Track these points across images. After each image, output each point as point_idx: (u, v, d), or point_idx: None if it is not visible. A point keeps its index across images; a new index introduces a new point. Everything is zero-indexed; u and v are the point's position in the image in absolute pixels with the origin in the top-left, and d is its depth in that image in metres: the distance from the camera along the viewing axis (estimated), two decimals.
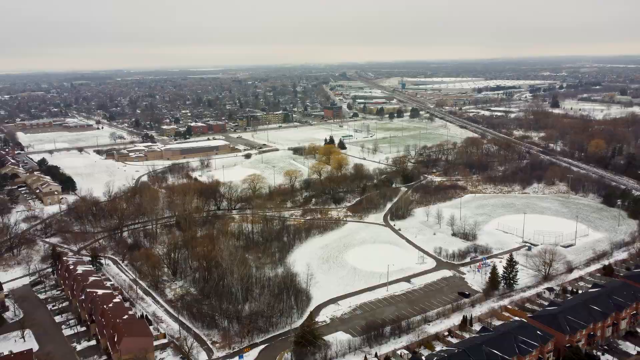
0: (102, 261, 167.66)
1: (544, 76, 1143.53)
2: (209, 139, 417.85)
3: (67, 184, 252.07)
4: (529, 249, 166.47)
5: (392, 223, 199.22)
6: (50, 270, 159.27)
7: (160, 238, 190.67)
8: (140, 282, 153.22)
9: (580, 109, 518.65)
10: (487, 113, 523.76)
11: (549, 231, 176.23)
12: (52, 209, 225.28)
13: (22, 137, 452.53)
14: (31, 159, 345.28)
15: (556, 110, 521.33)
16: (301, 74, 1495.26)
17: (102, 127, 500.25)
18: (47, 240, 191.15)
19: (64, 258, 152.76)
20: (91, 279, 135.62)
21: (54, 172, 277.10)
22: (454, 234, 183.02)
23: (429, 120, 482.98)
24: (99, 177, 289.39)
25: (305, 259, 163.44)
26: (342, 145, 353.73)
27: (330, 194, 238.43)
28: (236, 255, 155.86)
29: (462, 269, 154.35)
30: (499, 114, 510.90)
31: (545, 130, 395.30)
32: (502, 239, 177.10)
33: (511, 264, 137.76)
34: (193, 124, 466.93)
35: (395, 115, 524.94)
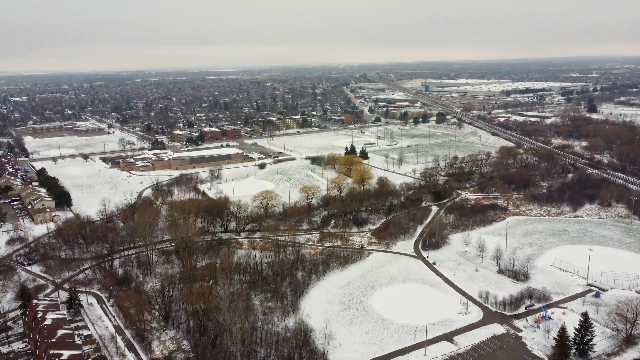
0: (85, 300, 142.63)
1: (574, 78, 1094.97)
2: (222, 146, 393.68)
3: (63, 198, 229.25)
4: (597, 295, 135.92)
5: (424, 254, 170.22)
6: (20, 313, 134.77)
7: (156, 269, 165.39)
8: (125, 330, 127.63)
9: (620, 114, 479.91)
10: (519, 118, 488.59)
11: (619, 272, 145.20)
12: (42, 229, 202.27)
13: (29, 141, 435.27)
14: (33, 167, 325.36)
15: (594, 115, 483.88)
16: (321, 75, 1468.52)
17: (113, 132, 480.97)
18: (29, 268, 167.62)
19: (34, 301, 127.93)
20: (60, 333, 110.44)
21: (52, 185, 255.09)
22: (500, 271, 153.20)
23: (457, 126, 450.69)
24: (100, 189, 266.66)
25: (322, 303, 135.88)
26: (364, 155, 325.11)
27: (352, 214, 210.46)
28: (239, 301, 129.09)
29: (517, 322, 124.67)
30: (533, 119, 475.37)
31: (587, 138, 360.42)
32: (560, 280, 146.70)
33: (586, 325, 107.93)
34: (206, 128, 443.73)
35: (420, 120, 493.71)
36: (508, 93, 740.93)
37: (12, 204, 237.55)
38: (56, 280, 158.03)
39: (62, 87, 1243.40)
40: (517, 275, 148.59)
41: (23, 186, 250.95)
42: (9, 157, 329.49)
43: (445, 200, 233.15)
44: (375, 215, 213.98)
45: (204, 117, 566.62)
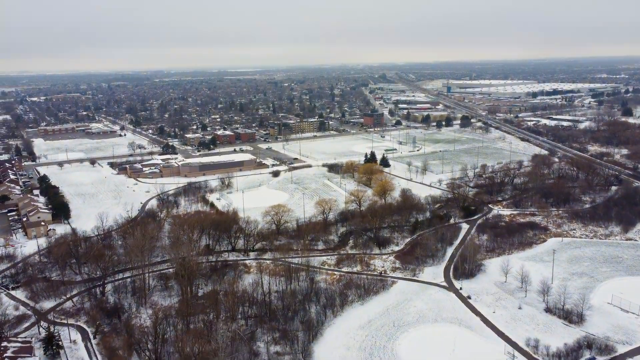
0: (68, 337, 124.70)
1: (602, 79, 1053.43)
2: (235, 150, 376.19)
3: (60, 210, 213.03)
4: None
5: (457, 284, 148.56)
6: None
7: (152, 296, 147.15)
8: None
9: None
10: (549, 122, 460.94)
11: None
12: (34, 245, 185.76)
13: (39, 144, 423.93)
14: (38, 172, 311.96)
15: (630, 119, 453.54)
16: (339, 76, 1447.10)
17: (125, 134, 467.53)
18: (13, 293, 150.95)
19: (4, 343, 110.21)
20: None
21: (51, 194, 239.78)
22: (548, 310, 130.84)
23: (483, 131, 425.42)
24: (103, 198, 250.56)
25: (339, 348, 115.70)
26: (385, 163, 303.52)
27: (373, 232, 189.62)
28: (241, 344, 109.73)
29: None
30: (565, 124, 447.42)
31: (627, 145, 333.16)
32: (622, 323, 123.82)
33: None
34: (220, 132, 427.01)
35: (444, 123, 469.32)
36: (534, 95, 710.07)
37: (8, 214, 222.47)
38: (40, 308, 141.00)
39: (81, 87, 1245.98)
40: (570, 315, 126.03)
41: (21, 195, 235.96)
42: (13, 162, 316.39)
43: (476, 217, 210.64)
44: (398, 234, 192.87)
45: (218, 119, 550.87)
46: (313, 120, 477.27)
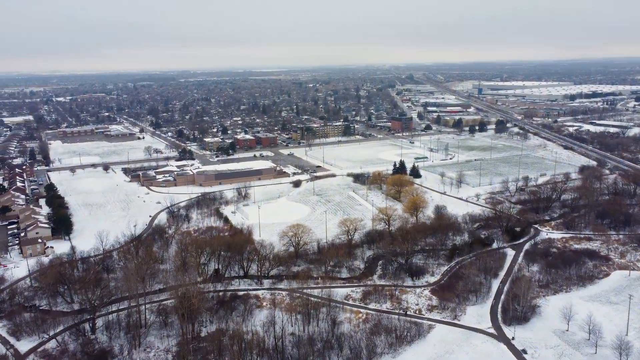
0: None
1: None
2: (254, 156, 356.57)
3: (62, 225, 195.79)
4: None
5: (508, 331, 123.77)
6: None
7: (148, 336, 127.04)
8: None
9: None
10: (593, 128, 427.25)
11: None
12: (30, 264, 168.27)
13: (56, 147, 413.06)
14: (49, 178, 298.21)
15: None
16: (365, 76, 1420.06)
17: (144, 137, 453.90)
18: None
19: None
20: None
21: (56, 205, 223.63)
22: None
23: (521, 137, 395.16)
24: (112, 210, 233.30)
25: None
26: (415, 173, 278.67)
27: (404, 258, 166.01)
28: None
29: None
30: (612, 130, 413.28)
31: None
32: None
33: None
34: (240, 135, 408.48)
35: (477, 128, 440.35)
36: (572, 97, 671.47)
37: (8, 227, 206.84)
38: (21, 349, 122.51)
39: (108, 87, 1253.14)
40: None
41: (24, 206, 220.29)
42: (24, 167, 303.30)
43: (522, 240, 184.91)
44: (433, 260, 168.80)
45: (239, 122, 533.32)
46: (338, 124, 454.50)
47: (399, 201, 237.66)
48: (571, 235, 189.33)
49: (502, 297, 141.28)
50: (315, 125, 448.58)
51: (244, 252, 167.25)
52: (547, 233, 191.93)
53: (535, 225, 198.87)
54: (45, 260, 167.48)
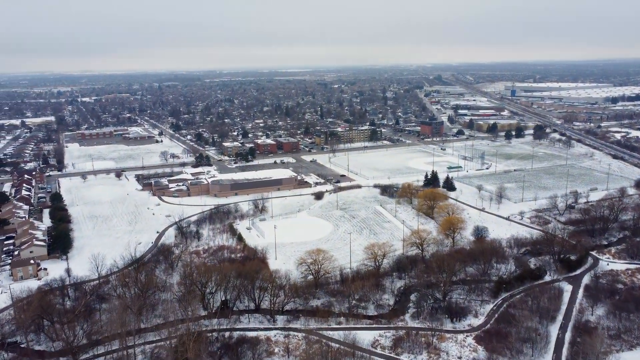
0: None
1: None
2: (275, 162, 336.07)
3: (59, 242, 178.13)
4: None
5: None
6: None
7: None
8: None
9: None
10: None
11: None
12: (19, 288, 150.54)
13: (73, 150, 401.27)
14: (59, 185, 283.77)
15: None
16: (392, 77, 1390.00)
17: (162, 140, 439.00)
18: None
19: None
20: None
21: (58, 217, 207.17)
22: None
23: (563, 145, 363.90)
24: (118, 223, 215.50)
25: None
26: (449, 185, 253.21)
27: (441, 293, 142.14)
28: None
29: None
30: None
31: None
32: None
33: None
34: (261, 140, 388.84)
35: (514, 134, 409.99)
36: (614, 100, 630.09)
37: (5, 242, 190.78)
38: None
39: (134, 87, 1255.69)
40: None
41: (24, 219, 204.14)
42: (34, 172, 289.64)
43: (579, 272, 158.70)
44: (476, 296, 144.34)
45: (261, 125, 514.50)
46: (364, 128, 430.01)
47: (432, 218, 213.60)
48: (637, 265, 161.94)
49: (564, 351, 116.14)
50: (340, 130, 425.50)
51: (256, 281, 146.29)
52: (608, 263, 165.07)
53: (592, 252, 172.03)
54: (34, 285, 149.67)
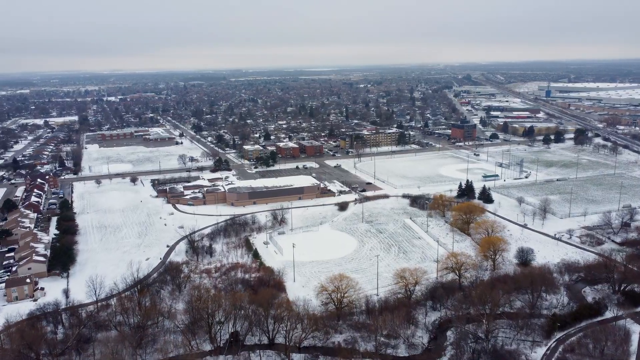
0: None
1: None
2: (297, 167, 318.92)
3: (60, 258, 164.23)
4: None
5: None
6: None
7: None
8: None
9: None
10: None
11: None
12: (13, 312, 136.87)
13: (91, 152, 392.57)
14: (72, 189, 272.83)
15: None
16: (419, 76, 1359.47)
17: (182, 142, 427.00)
18: None
19: None
20: None
21: (63, 228, 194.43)
22: None
23: (609, 151, 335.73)
24: (127, 235, 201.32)
25: None
26: (486, 196, 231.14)
27: (484, 332, 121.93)
28: None
29: None
30: None
31: None
32: None
33: None
34: (283, 143, 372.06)
35: (552, 138, 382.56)
36: None
37: (7, 255, 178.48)
38: None
39: (160, 85, 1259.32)
40: None
41: (28, 229, 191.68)
42: (47, 177, 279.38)
43: None
44: (524, 335, 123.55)
45: (284, 126, 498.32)
46: (391, 131, 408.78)
47: (468, 234, 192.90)
48: None
49: None
50: (366, 133, 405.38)
51: (270, 308, 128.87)
52: None
53: None
54: (27, 308, 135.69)
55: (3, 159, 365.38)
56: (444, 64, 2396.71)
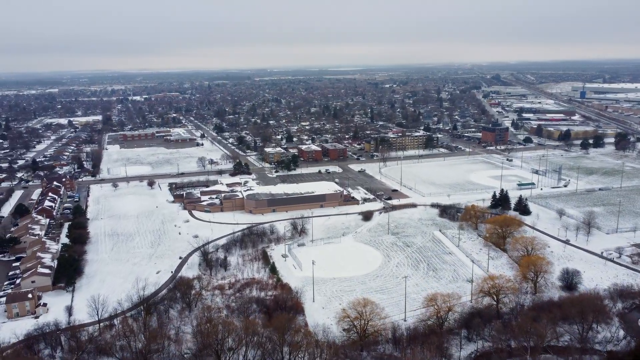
0: None
1: None
2: (319, 172, 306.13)
3: (67, 270, 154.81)
4: None
5: None
6: None
7: None
8: None
9: None
10: None
11: None
12: (13, 330, 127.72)
13: (112, 153, 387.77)
14: (88, 193, 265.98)
15: None
16: (446, 76, 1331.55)
17: (203, 144, 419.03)
18: None
19: None
20: None
21: (73, 236, 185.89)
22: None
23: None
24: (139, 243, 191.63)
25: None
26: (523, 208, 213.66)
27: None
28: None
29: None
30: None
31: None
32: None
33: None
34: (305, 147, 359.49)
35: (591, 143, 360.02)
36: None
37: (13, 265, 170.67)
38: None
39: (184, 85, 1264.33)
40: None
41: (37, 237, 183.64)
42: (64, 179, 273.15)
43: None
44: None
45: (307, 127, 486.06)
46: (418, 134, 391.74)
47: (503, 250, 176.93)
48: None
49: None
50: (392, 136, 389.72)
51: (285, 335, 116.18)
52: None
53: None
54: (26, 327, 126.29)
55: (24, 159, 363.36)
56: (471, 64, 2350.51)
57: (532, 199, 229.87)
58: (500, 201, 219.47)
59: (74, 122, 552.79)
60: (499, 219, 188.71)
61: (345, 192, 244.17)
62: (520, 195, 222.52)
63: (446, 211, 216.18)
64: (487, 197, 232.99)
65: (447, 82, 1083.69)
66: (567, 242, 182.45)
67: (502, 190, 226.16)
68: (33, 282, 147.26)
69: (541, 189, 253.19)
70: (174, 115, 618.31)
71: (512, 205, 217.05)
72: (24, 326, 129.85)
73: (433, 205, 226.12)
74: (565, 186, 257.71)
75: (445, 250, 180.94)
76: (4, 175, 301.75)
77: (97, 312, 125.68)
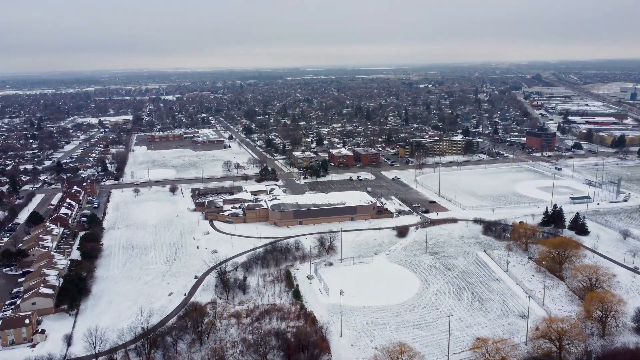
0: None
1: None
2: (350, 179, 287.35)
3: (71, 291, 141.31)
4: None
5: None
6: None
7: None
8: None
9: None
10: None
11: None
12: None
13: (138, 154, 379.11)
14: (108, 198, 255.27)
15: None
16: (483, 76, 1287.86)
17: (231, 146, 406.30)
18: None
19: None
20: None
21: (85, 250, 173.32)
22: None
23: None
24: (154, 258, 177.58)
25: None
26: (580, 227, 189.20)
27: None
28: None
29: None
30: None
31: None
32: None
33: None
34: (335, 151, 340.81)
35: None
36: None
37: (19, 280, 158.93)
38: None
39: (217, 84, 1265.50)
40: None
41: (48, 249, 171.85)
42: (85, 183, 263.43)
43: None
44: None
45: (338, 130, 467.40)
46: (456, 139, 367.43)
47: (560, 277, 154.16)
48: None
49: None
50: (428, 140, 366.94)
51: None
52: None
53: None
54: (20, 358, 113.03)
55: (51, 160, 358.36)
56: (509, 63, 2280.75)
57: (588, 216, 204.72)
58: (553, 218, 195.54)
59: (104, 122, 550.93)
60: (556, 241, 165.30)
61: (378, 204, 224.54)
62: (577, 213, 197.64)
63: (491, 228, 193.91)
64: (537, 211, 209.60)
65: (484, 82, 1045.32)
66: (636, 270, 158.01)
67: (555, 206, 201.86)
68: (34, 304, 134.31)
69: (598, 204, 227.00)
70: (204, 115, 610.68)
71: (567, 223, 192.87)
72: (18, 357, 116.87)
73: (476, 221, 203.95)
74: (625, 201, 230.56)
75: (492, 275, 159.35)
76: (27, 177, 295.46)
77: (95, 347, 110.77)
